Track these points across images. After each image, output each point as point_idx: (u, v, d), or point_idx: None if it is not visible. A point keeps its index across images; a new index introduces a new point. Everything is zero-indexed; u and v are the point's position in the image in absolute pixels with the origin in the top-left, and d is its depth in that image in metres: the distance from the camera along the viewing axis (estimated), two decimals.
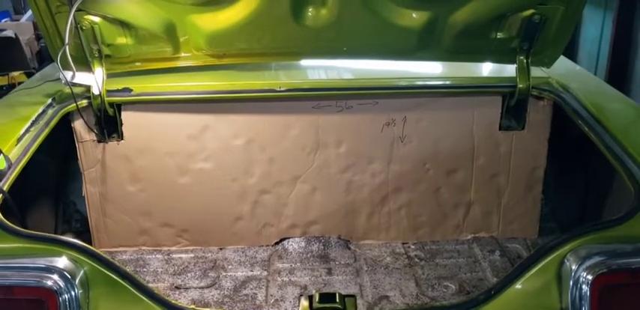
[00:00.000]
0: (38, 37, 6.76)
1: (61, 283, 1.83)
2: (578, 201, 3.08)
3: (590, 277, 1.85)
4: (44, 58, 6.60)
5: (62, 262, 1.87)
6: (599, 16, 6.16)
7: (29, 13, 7.88)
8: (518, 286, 1.93)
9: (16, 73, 5.97)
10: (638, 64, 5.66)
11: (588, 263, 1.87)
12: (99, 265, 1.91)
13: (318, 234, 3.09)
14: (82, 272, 1.89)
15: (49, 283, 1.82)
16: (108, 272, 1.91)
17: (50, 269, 1.85)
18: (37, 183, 3.01)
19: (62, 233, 3.14)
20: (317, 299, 1.98)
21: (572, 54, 6.63)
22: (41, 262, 1.87)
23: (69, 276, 1.85)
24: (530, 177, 3.02)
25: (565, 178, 3.18)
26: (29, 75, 6.10)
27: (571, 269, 1.88)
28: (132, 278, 1.92)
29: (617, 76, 5.69)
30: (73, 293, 1.84)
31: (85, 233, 3.11)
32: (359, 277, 2.82)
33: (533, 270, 1.93)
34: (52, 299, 1.82)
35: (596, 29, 6.26)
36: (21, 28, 6.73)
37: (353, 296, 2.04)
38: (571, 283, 1.87)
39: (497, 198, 3.07)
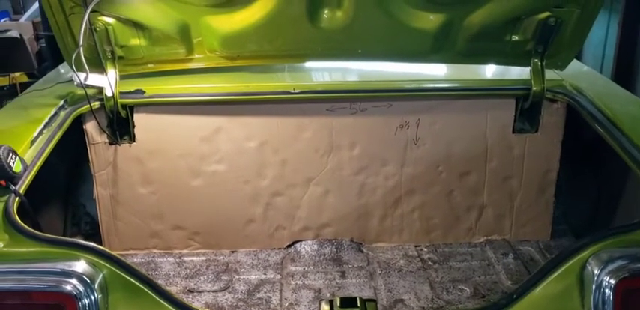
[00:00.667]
0: (38, 37, 6.74)
1: (80, 287, 1.82)
2: (589, 204, 3.08)
3: (612, 281, 1.84)
4: (44, 58, 6.58)
5: (81, 266, 1.86)
6: (604, 18, 6.16)
7: (29, 12, 7.86)
8: (539, 290, 1.92)
9: (17, 74, 5.94)
10: None
11: (611, 267, 1.86)
12: (118, 269, 1.90)
13: (330, 237, 3.07)
14: (101, 276, 1.87)
15: (68, 287, 1.81)
16: (127, 277, 1.90)
17: (69, 274, 1.83)
18: (47, 186, 2.99)
19: (71, 236, 3.12)
20: (338, 304, 1.97)
21: (577, 56, 6.63)
22: (60, 266, 1.85)
23: (88, 280, 1.83)
24: (543, 179, 3.02)
25: (576, 180, 3.18)
26: (30, 75, 6.09)
27: (593, 273, 1.87)
28: (151, 282, 1.91)
29: (622, 79, 5.69)
30: (92, 297, 1.83)
31: (94, 236, 3.09)
32: (373, 280, 2.80)
33: (555, 274, 1.93)
34: (72, 304, 1.81)
35: (601, 32, 6.27)
36: (21, 28, 6.71)
37: (374, 300, 2.03)
38: (593, 287, 1.86)
39: (510, 201, 3.06)
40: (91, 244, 1.95)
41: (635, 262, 1.87)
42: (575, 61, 3.24)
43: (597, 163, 3.04)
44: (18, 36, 5.43)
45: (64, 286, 1.81)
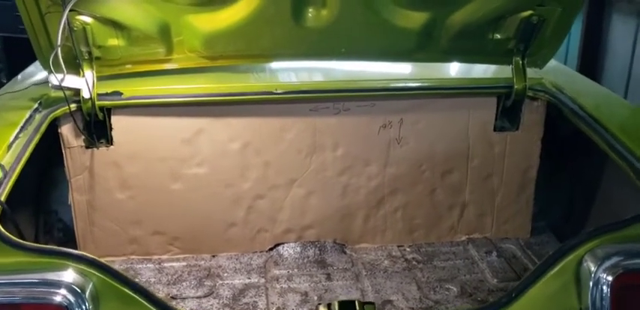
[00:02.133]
0: None
1: (71, 298, 1.74)
2: (566, 201, 3.13)
3: (610, 278, 1.86)
4: None
5: (70, 275, 1.78)
6: None
7: None
8: (537, 288, 1.93)
9: None
10: (606, 63, 5.82)
11: (607, 263, 1.88)
12: (108, 277, 1.83)
13: (313, 239, 3.04)
14: (91, 285, 1.80)
15: (58, 299, 1.73)
16: (118, 285, 1.83)
17: (58, 284, 1.75)
18: (17, 191, 2.86)
19: (44, 244, 3.00)
20: (336, 308, 1.93)
21: None
22: (48, 276, 1.77)
23: (78, 290, 1.75)
24: (523, 177, 3.05)
25: (554, 177, 3.22)
26: None
27: (590, 270, 1.89)
28: (144, 291, 1.84)
29: (587, 73, 5.81)
30: (83, 307, 1.75)
31: (68, 243, 2.97)
32: (359, 282, 2.78)
33: (552, 272, 1.94)
34: None
35: None
36: None
37: (372, 303, 2.00)
38: (591, 284, 1.88)
39: (491, 199, 3.08)
40: (80, 252, 1.87)
41: (630, 258, 1.90)
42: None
43: (574, 160, 3.09)
44: None
45: (53, 297, 1.73)
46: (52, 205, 3.04)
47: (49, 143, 2.74)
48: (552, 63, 3.32)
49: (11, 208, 2.74)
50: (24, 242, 1.84)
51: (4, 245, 1.81)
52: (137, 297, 1.83)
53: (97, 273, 1.82)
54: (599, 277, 1.87)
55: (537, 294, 1.92)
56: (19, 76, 3.10)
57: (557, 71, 3.16)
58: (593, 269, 1.89)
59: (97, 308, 1.79)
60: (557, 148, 3.13)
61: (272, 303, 2.64)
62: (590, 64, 5.86)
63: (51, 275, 1.77)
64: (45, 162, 2.94)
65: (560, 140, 3.07)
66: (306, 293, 2.71)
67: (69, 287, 1.75)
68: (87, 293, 1.77)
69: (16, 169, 2.16)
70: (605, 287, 1.86)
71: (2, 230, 1.84)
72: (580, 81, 3.12)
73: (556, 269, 1.93)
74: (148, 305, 1.83)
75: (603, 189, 2.86)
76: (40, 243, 2.94)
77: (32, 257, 1.81)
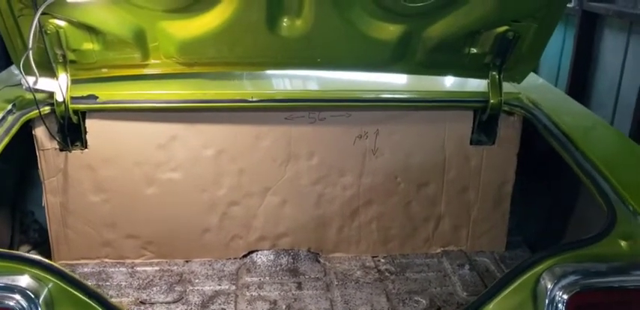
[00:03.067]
0: None
1: (24, 303, 1.73)
2: (542, 216, 3.13)
3: (565, 296, 1.84)
4: None
5: (24, 280, 1.77)
6: (560, 30, 6.32)
7: None
8: (494, 305, 1.92)
9: None
10: (597, 78, 5.82)
11: (564, 282, 1.86)
12: (64, 283, 1.82)
13: (287, 247, 3.04)
14: (46, 290, 1.79)
15: (11, 303, 1.72)
16: (74, 291, 1.82)
17: (12, 289, 1.74)
18: None
19: (19, 244, 3.01)
20: None
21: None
22: (2, 281, 1.76)
23: (32, 295, 1.75)
24: (499, 191, 3.05)
25: (530, 192, 3.22)
26: None
27: (546, 288, 1.88)
28: (98, 297, 1.84)
29: (577, 90, 5.83)
30: None
31: (43, 244, 2.99)
32: (329, 292, 2.78)
33: (509, 289, 1.92)
34: None
35: (557, 44, 6.42)
36: None
37: None
38: (546, 302, 1.86)
39: (467, 212, 3.08)
40: (37, 257, 1.87)
41: (587, 277, 1.88)
42: (531, 74, 3.29)
43: (551, 176, 3.09)
44: None
45: (6, 301, 1.72)
46: (28, 206, 3.06)
47: (26, 144, 2.75)
48: (537, 80, 3.34)
49: None
50: None
51: None
52: (92, 303, 1.83)
53: (52, 278, 1.81)
54: (554, 295, 1.86)
55: None
56: None
57: (538, 88, 3.16)
58: (549, 286, 1.87)
59: None
60: (534, 163, 3.12)
61: None
62: (581, 79, 5.87)
63: (5, 280, 1.76)
64: (22, 163, 2.95)
65: (538, 155, 3.07)
66: (275, 302, 2.70)
67: (22, 292, 1.74)
68: (41, 299, 1.76)
69: None
70: (560, 305, 1.84)
71: None
72: (560, 99, 3.12)
73: (513, 286, 1.92)
74: None
75: (579, 206, 2.85)
76: (15, 243, 2.96)
77: None
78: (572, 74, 5.96)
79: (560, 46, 6.41)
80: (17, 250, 2.96)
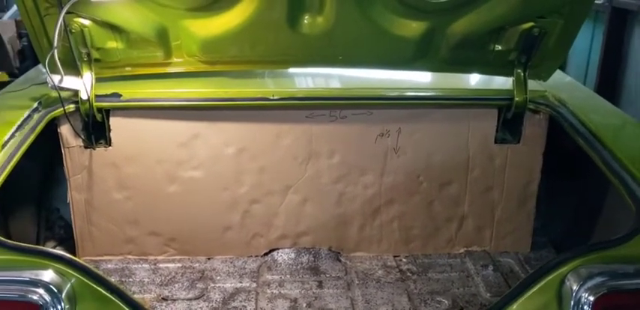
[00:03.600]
0: (20, 36, 6.61)
1: (47, 297, 1.76)
2: (569, 216, 3.07)
3: (591, 298, 1.81)
4: (26, 57, 6.47)
5: (48, 275, 1.80)
6: (588, 27, 6.19)
7: (11, 11, 7.73)
8: (517, 305, 1.89)
9: None
10: (627, 76, 5.70)
11: (590, 283, 1.83)
12: (86, 278, 1.84)
13: (308, 246, 3.03)
14: (68, 285, 1.81)
15: (35, 297, 1.75)
16: (96, 286, 1.84)
17: (36, 283, 1.77)
18: (20, 189, 2.91)
19: (45, 241, 3.06)
20: None
21: (561, 65, 6.66)
22: (26, 275, 1.79)
23: (55, 290, 1.77)
24: (524, 191, 3.00)
25: (557, 192, 3.17)
26: (10, 74, 5.97)
27: (572, 289, 1.84)
28: (120, 292, 1.86)
29: (606, 88, 5.71)
30: (59, 307, 1.76)
31: (68, 240, 3.02)
32: (350, 291, 2.76)
33: (534, 289, 1.89)
34: None
35: (585, 41, 6.30)
36: (3, 26, 6.58)
37: None
38: (572, 303, 1.83)
39: (491, 212, 3.03)
40: (60, 252, 1.89)
41: (614, 279, 1.85)
42: (558, 72, 3.23)
43: (578, 175, 3.03)
44: None
45: (30, 295, 1.75)
46: (53, 203, 3.10)
47: (52, 142, 2.79)
48: (563, 77, 3.27)
49: (13, 205, 2.81)
50: (6, 240, 1.87)
51: None
52: (114, 299, 1.84)
53: (75, 274, 1.83)
54: (580, 296, 1.82)
55: None
56: (23, 77, 3.16)
57: (565, 85, 3.10)
58: (575, 288, 1.84)
59: (74, 308, 1.81)
60: (561, 162, 3.07)
61: (261, 308, 2.64)
62: (610, 77, 5.74)
63: (29, 274, 1.79)
64: (48, 160, 2.99)
65: (564, 154, 3.02)
66: (295, 300, 2.70)
67: (46, 287, 1.77)
68: (64, 293, 1.78)
69: (6, 168, 2.19)
70: (586, 307, 1.81)
71: None
72: (587, 97, 3.05)
73: (537, 287, 1.89)
74: (125, 307, 1.84)
75: (606, 206, 2.79)
76: (40, 240, 3.01)
77: (12, 255, 1.83)
78: (601, 72, 5.84)
79: (588, 43, 6.29)
80: (43, 246, 3.00)
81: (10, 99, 2.72)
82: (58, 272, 1.81)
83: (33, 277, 1.78)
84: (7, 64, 5.56)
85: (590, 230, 2.87)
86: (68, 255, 1.87)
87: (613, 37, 5.72)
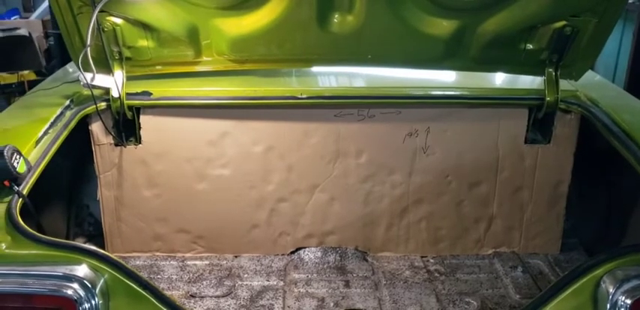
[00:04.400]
0: (47, 35, 6.72)
1: (81, 292, 1.78)
2: (600, 217, 3.02)
3: (628, 301, 1.78)
4: (52, 56, 6.57)
5: (82, 270, 1.82)
6: (618, 27, 6.09)
7: (39, 10, 7.86)
8: (551, 308, 1.86)
9: (25, 71, 5.92)
10: None
11: (627, 286, 1.80)
12: (119, 274, 1.86)
13: (334, 245, 3.03)
14: (102, 280, 1.83)
15: (69, 292, 1.77)
16: (129, 282, 1.86)
17: (70, 278, 1.79)
18: (51, 185, 2.95)
19: (74, 237, 3.09)
20: None
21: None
22: (61, 270, 1.81)
23: (89, 285, 1.79)
24: (554, 191, 2.96)
25: (588, 193, 3.12)
26: (38, 73, 6.08)
27: (608, 291, 1.82)
28: (153, 288, 1.87)
29: (635, 89, 5.60)
30: (93, 302, 1.79)
31: (97, 237, 3.06)
32: (378, 290, 2.75)
33: (568, 292, 1.87)
34: (72, 309, 1.77)
35: (614, 41, 6.19)
36: (30, 25, 6.70)
37: None
38: (608, 306, 1.80)
39: (520, 213, 3.00)
40: (94, 248, 1.91)
41: None
42: (588, 71, 3.19)
43: (609, 176, 2.99)
44: (27, 34, 5.41)
45: (64, 290, 1.77)
46: (83, 199, 3.13)
47: (82, 139, 2.83)
48: (594, 77, 3.23)
49: (44, 201, 2.84)
50: (41, 235, 1.89)
51: (22, 237, 1.87)
52: (146, 295, 1.86)
53: (108, 269, 1.85)
54: (617, 299, 1.80)
55: None
56: (54, 75, 3.21)
57: (596, 85, 3.06)
58: (611, 290, 1.81)
59: (107, 303, 1.83)
60: (592, 163, 3.03)
61: (288, 307, 2.64)
62: None
63: (64, 269, 1.81)
64: (79, 157, 3.02)
65: (596, 155, 2.97)
66: (322, 299, 2.69)
67: (80, 282, 1.79)
68: (97, 288, 1.80)
69: (41, 164, 2.22)
70: None
71: (21, 222, 1.90)
72: (619, 97, 3.01)
73: (572, 289, 1.87)
74: (157, 303, 1.86)
75: (639, 206, 2.75)
76: (70, 236, 3.04)
77: (47, 250, 1.86)
78: (631, 73, 5.74)
79: (617, 43, 6.19)
80: None
81: (42, 96, 2.76)
82: (91, 267, 1.83)
83: (67, 272, 1.80)
84: (37, 63, 5.65)
85: (623, 231, 2.83)
86: (102, 251, 1.89)
87: None
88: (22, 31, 5.47)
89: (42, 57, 6.49)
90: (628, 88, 5.62)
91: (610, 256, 1.88)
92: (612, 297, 1.79)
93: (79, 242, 3.04)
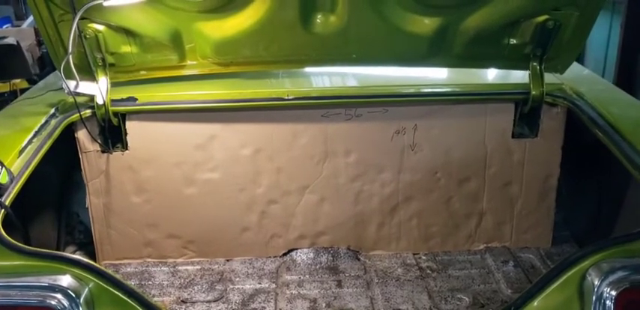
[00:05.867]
0: (40, 43, 6.71)
1: (65, 302, 1.77)
2: (591, 210, 3.02)
3: (613, 292, 1.78)
4: (45, 64, 6.56)
5: (66, 280, 1.81)
6: (606, 20, 6.10)
7: (30, 18, 7.84)
8: (538, 302, 1.87)
9: (17, 80, 5.92)
10: None
11: (611, 278, 1.80)
12: (104, 283, 1.85)
13: (326, 245, 3.02)
14: (86, 290, 1.83)
15: (53, 302, 1.76)
16: (114, 290, 1.85)
17: (54, 288, 1.79)
18: (40, 194, 2.94)
19: (65, 245, 3.09)
20: None
21: (579, 58, 6.57)
22: (45, 280, 1.80)
23: (73, 295, 1.79)
24: (544, 185, 2.96)
25: (578, 186, 3.12)
26: (30, 81, 6.07)
27: (593, 284, 1.82)
28: (138, 296, 1.86)
29: (624, 81, 5.62)
30: None
31: (88, 244, 3.05)
32: (370, 290, 2.75)
33: (554, 285, 1.87)
34: None
35: (603, 34, 6.20)
36: (22, 34, 6.69)
37: None
38: (594, 298, 1.80)
39: (510, 207, 3.00)
40: (77, 257, 1.91)
41: (637, 273, 1.81)
42: (575, 64, 3.19)
43: (599, 168, 2.98)
44: (15, 43, 5.40)
45: (48, 301, 1.77)
46: (73, 207, 3.13)
47: (70, 147, 2.82)
48: (582, 70, 3.22)
49: (34, 209, 2.84)
50: (23, 245, 1.89)
51: (4, 248, 1.85)
52: (132, 302, 1.85)
53: (93, 278, 1.84)
54: (602, 291, 1.80)
55: (537, 308, 1.86)
56: (41, 83, 3.19)
57: (583, 78, 3.05)
58: (596, 283, 1.81)
59: None
60: (581, 156, 3.02)
61: (280, 309, 2.63)
62: (629, 70, 5.63)
63: (47, 279, 1.80)
64: (68, 165, 3.01)
65: (584, 148, 2.97)
66: (315, 300, 2.69)
67: (64, 292, 1.78)
68: (82, 298, 1.80)
69: (24, 174, 2.21)
70: (608, 302, 1.79)
71: (3, 233, 1.89)
72: (606, 90, 3.00)
73: (558, 282, 1.87)
74: None
75: (630, 198, 2.75)
76: (61, 244, 3.04)
77: (30, 260, 1.85)
78: (619, 65, 5.75)
79: (606, 36, 6.19)
80: (63, 251, 3.04)
81: (27, 105, 2.75)
82: (75, 277, 1.82)
83: (51, 282, 1.80)
84: (27, 72, 5.65)
85: (614, 224, 2.82)
86: (85, 260, 1.89)
87: (631, 28, 5.61)
88: (10, 40, 5.46)
89: (34, 64, 6.49)
90: (617, 80, 5.64)
91: (595, 248, 1.88)
92: (597, 289, 1.79)
93: (70, 251, 3.06)
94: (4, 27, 8.49)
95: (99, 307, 1.83)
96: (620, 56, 5.77)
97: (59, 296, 1.77)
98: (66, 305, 1.76)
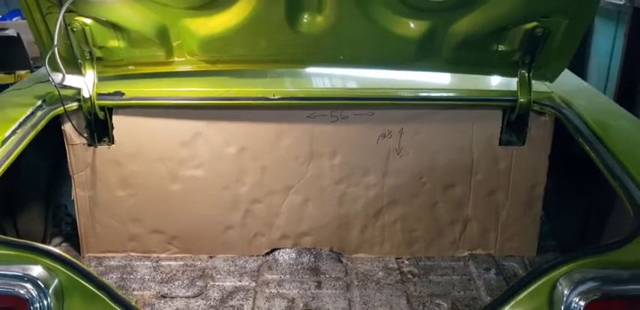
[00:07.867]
0: None
1: (34, 292, 1.77)
2: (579, 220, 2.99)
3: (582, 303, 1.76)
4: None
5: (37, 270, 1.81)
6: (610, 29, 6.06)
7: None
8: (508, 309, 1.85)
9: (22, 72, 5.95)
10: None
11: (581, 288, 1.78)
12: (75, 275, 1.85)
13: (309, 246, 3.02)
14: (56, 281, 1.82)
15: (22, 291, 1.76)
16: (84, 282, 1.84)
17: (23, 278, 1.78)
18: (27, 185, 2.97)
19: (52, 237, 3.10)
20: None
21: (582, 67, 6.53)
22: (15, 269, 1.80)
23: (42, 285, 1.78)
24: (530, 194, 2.94)
25: (566, 196, 3.10)
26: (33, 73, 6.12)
27: (563, 293, 1.80)
28: (109, 290, 1.86)
29: (627, 91, 5.58)
30: (45, 302, 1.77)
31: (75, 237, 3.06)
32: (349, 292, 2.74)
33: (524, 293, 1.84)
34: (24, 308, 1.76)
35: (607, 42, 6.16)
36: (22, 27, 6.71)
37: None
38: (562, 308, 1.79)
39: (496, 215, 2.99)
40: (49, 248, 1.90)
41: (608, 284, 1.79)
42: (574, 77, 3.18)
43: (587, 179, 2.96)
44: (15, 34, 5.44)
45: (17, 290, 1.76)
46: (61, 199, 3.14)
47: (59, 139, 2.83)
48: (573, 79, 3.20)
49: (21, 200, 2.85)
50: None
51: None
52: (102, 295, 1.85)
53: (64, 270, 1.84)
54: (571, 301, 1.77)
55: None
56: (32, 75, 3.21)
57: (574, 87, 3.03)
58: (566, 292, 1.79)
59: (61, 304, 1.82)
60: (570, 165, 3.00)
61: (258, 307, 2.64)
62: (631, 80, 5.59)
63: (17, 269, 1.80)
64: (56, 157, 3.03)
65: (572, 157, 2.95)
66: (293, 300, 2.69)
67: (34, 282, 1.78)
68: (51, 289, 1.80)
69: (3, 164, 2.21)
70: None
71: None
72: (595, 99, 2.97)
73: (528, 291, 1.84)
74: (112, 304, 1.85)
75: (616, 209, 2.72)
76: (48, 236, 3.05)
77: (2, 249, 1.85)
78: (623, 74, 5.71)
79: (610, 45, 6.16)
80: (49, 242, 3.06)
81: (15, 96, 2.76)
82: (46, 267, 1.83)
83: (21, 272, 1.80)
84: (26, 63, 5.68)
85: (600, 233, 2.80)
86: (57, 251, 1.88)
87: (634, 38, 5.57)
88: (10, 32, 5.50)
89: (39, 57, 6.52)
90: (620, 89, 5.60)
91: (569, 258, 1.86)
92: (567, 299, 1.77)
93: (57, 242, 3.08)
94: (14, 19, 8.54)
95: (69, 299, 1.83)
96: (623, 65, 5.72)
97: (29, 285, 1.76)
98: (34, 295, 1.76)
